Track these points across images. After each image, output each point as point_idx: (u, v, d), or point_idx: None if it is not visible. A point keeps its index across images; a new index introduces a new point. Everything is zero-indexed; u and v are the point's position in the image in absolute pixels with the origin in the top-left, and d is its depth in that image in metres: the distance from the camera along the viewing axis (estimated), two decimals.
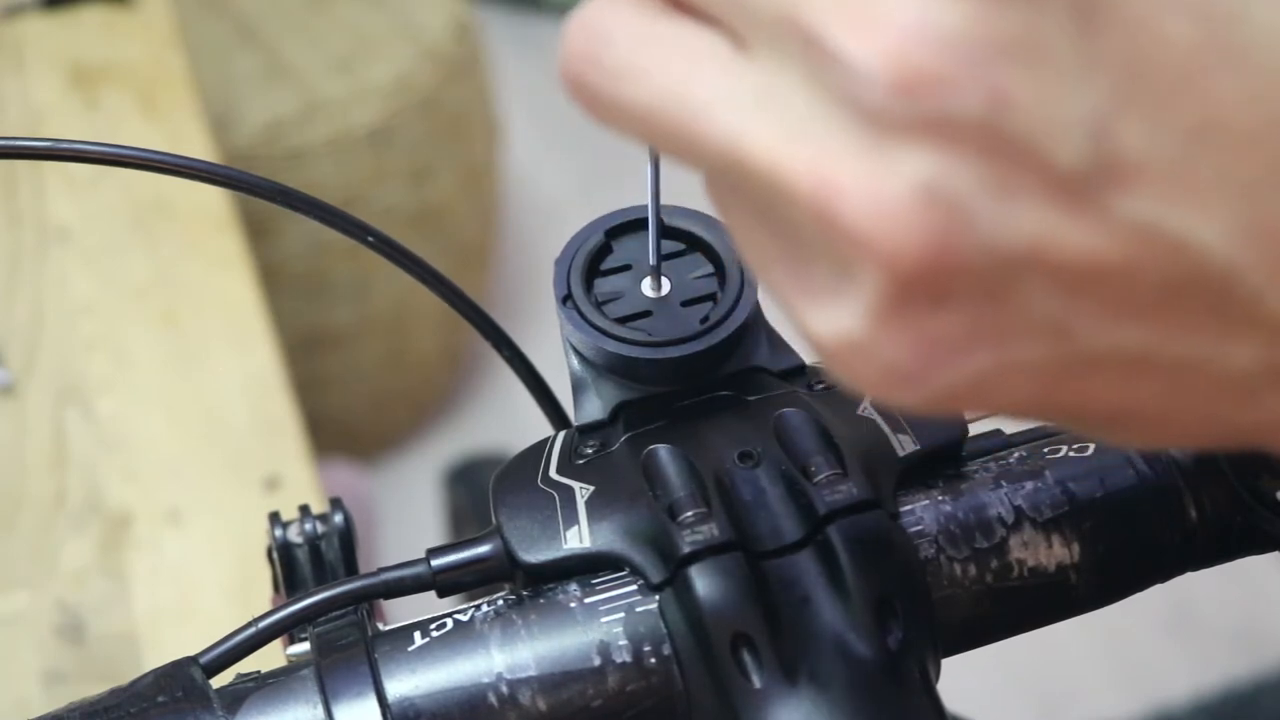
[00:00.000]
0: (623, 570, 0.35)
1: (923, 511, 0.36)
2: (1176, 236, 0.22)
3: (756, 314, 0.38)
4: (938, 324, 0.23)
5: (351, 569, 0.42)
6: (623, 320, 0.38)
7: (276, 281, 1.37)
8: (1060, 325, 0.23)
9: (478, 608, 0.35)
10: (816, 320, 0.24)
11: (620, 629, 0.34)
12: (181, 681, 0.33)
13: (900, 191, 0.22)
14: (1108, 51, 0.21)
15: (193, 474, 0.86)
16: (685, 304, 0.38)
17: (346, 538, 0.42)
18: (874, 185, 0.22)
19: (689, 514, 0.33)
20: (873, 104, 0.22)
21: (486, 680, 0.33)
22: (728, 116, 0.23)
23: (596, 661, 0.34)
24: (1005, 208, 0.22)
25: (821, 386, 0.38)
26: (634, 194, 0.39)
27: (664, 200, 0.40)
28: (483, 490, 0.36)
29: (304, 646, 0.35)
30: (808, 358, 0.39)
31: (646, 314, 0.38)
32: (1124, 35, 0.21)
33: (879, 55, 0.21)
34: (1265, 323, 0.22)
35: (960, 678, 0.47)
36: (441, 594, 0.36)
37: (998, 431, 0.39)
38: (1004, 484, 0.36)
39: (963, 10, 0.21)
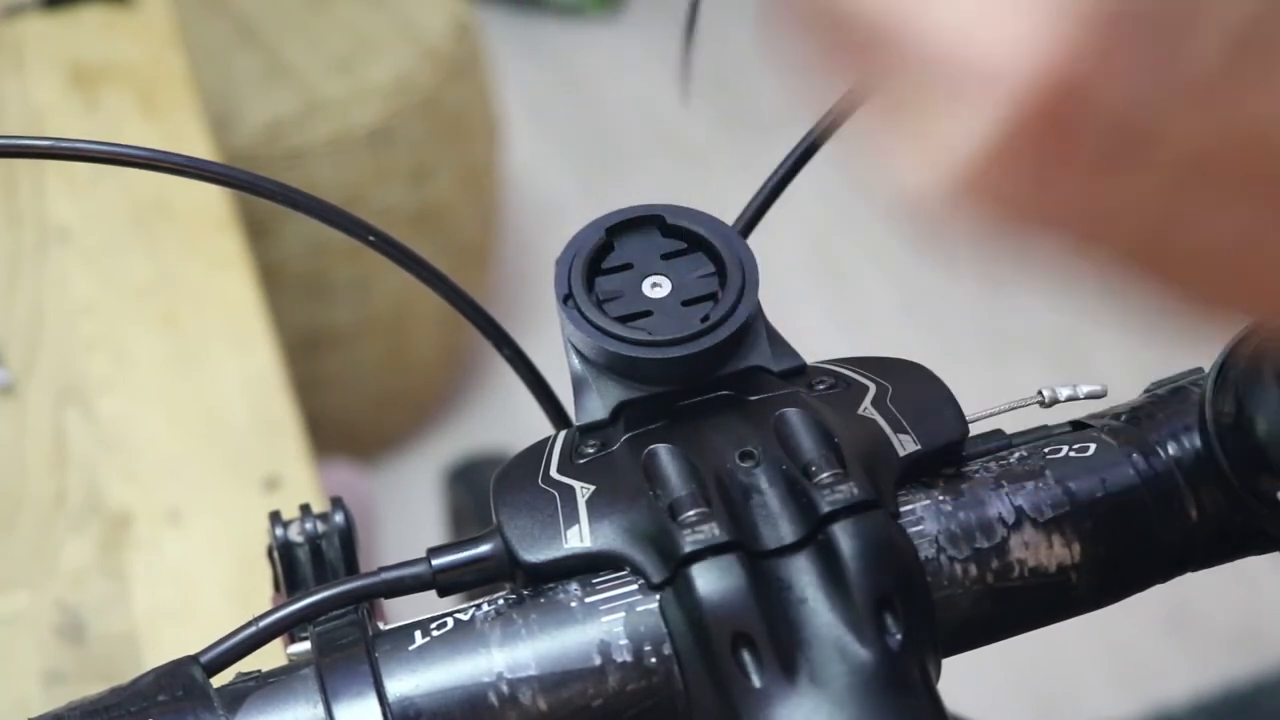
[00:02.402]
0: (623, 570, 0.35)
1: (923, 511, 0.36)
2: None
3: (757, 314, 0.38)
4: (1058, 160, 0.23)
5: (352, 568, 0.42)
6: (624, 319, 0.38)
7: (276, 281, 1.37)
8: (1166, 207, 0.24)
9: (478, 607, 0.35)
10: (936, 143, 0.24)
11: (621, 628, 0.34)
12: (182, 680, 0.33)
13: (1060, 30, 0.22)
14: None
15: (193, 474, 0.86)
16: (686, 303, 0.38)
17: (347, 537, 0.42)
18: (1037, 22, 0.22)
19: (690, 514, 0.33)
20: None
21: (487, 679, 0.33)
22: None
23: (597, 661, 0.34)
24: (1147, 80, 0.22)
25: (823, 387, 0.38)
26: (634, 193, 0.39)
27: (665, 201, 0.40)
28: (483, 490, 0.36)
29: (304, 646, 0.35)
30: (808, 358, 0.39)
31: (647, 313, 0.38)
32: None
33: None
34: None
35: (960, 678, 0.47)
36: (442, 593, 0.36)
37: (998, 432, 0.39)
38: (1005, 484, 0.36)
39: None
